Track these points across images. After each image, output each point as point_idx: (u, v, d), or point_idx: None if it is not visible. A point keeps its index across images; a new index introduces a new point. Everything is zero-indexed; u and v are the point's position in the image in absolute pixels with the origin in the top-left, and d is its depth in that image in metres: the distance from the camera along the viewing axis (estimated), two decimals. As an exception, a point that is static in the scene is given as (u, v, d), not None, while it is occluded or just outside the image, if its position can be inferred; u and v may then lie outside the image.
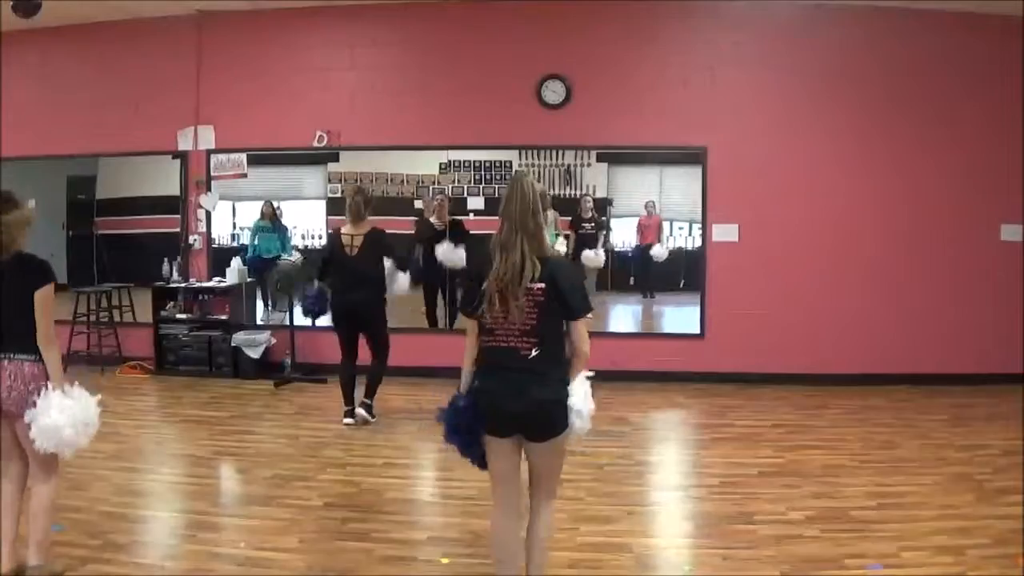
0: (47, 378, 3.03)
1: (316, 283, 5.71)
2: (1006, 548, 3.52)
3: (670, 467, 5.06)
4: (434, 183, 7.29)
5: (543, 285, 2.68)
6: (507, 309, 2.67)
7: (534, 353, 2.69)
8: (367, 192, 5.71)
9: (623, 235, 7.33)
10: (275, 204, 7.62)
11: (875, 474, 4.56)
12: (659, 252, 7.22)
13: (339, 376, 5.73)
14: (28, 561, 3.11)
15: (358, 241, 5.48)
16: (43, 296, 3.03)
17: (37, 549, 3.12)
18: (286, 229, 7.66)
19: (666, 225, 7.25)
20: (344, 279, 5.55)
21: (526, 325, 2.69)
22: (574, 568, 3.41)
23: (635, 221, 7.33)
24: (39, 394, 3.01)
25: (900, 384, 6.61)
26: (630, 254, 7.38)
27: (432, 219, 7.18)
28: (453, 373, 7.42)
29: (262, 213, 7.58)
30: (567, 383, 2.73)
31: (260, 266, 7.56)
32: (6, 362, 3.00)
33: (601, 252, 7.19)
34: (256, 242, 7.60)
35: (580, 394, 2.72)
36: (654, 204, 7.23)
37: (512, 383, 2.71)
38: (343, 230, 5.56)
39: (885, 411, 5.96)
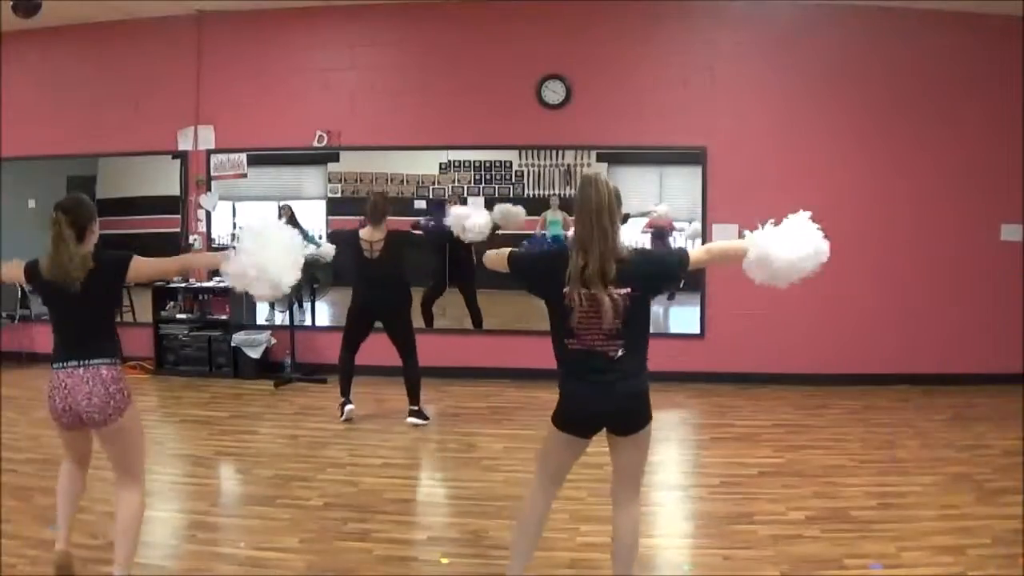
0: (125, 381, 2.99)
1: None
2: (1006, 548, 3.52)
3: (670, 467, 5.05)
4: (434, 183, 7.29)
5: (628, 290, 2.67)
6: (593, 309, 2.64)
7: (620, 354, 2.69)
8: (387, 195, 5.74)
9: (622, 235, 7.31)
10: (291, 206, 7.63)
11: (875, 474, 4.56)
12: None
13: (340, 367, 5.67)
14: (113, 572, 3.07)
15: (379, 245, 5.47)
16: (135, 265, 2.96)
17: (122, 563, 3.05)
18: (301, 227, 7.67)
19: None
20: (367, 282, 5.53)
21: (612, 328, 2.66)
22: (574, 568, 3.41)
23: (634, 221, 7.31)
24: (121, 397, 2.95)
25: (900, 384, 6.61)
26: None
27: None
28: (453, 373, 7.48)
29: (280, 214, 7.59)
30: (647, 374, 2.77)
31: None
32: (82, 370, 2.91)
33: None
34: None
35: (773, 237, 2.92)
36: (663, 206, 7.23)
37: (599, 386, 2.70)
38: (362, 234, 5.51)
39: (885, 411, 5.96)
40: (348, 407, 5.62)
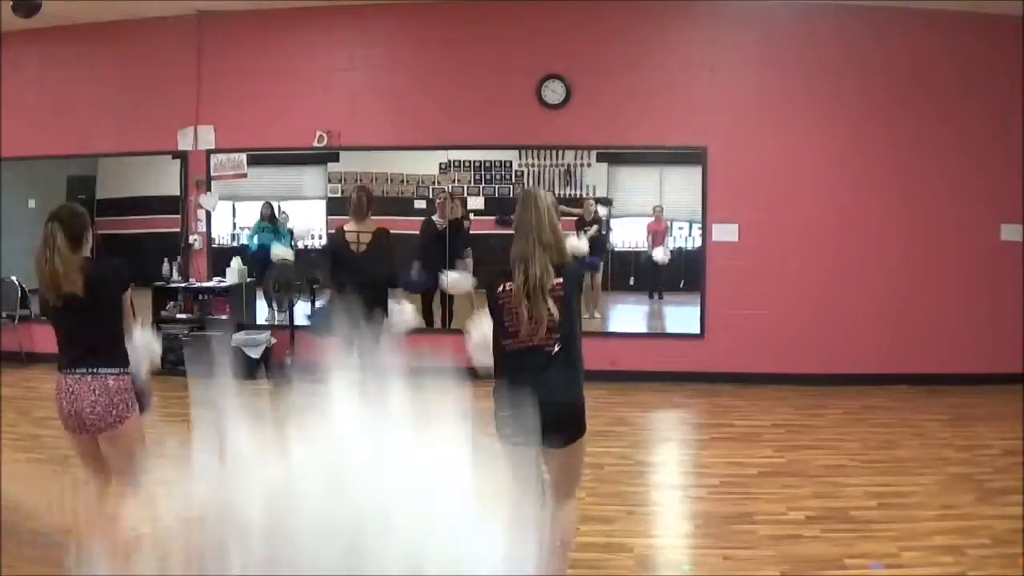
0: (132, 391, 3.04)
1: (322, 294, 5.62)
2: (1006, 548, 3.52)
3: (670, 467, 5.06)
4: (434, 183, 7.29)
5: (560, 280, 2.77)
6: (530, 317, 2.73)
7: (557, 348, 2.75)
8: (370, 190, 5.68)
9: (623, 235, 7.33)
10: (274, 205, 7.66)
11: (875, 474, 4.56)
12: (661, 256, 7.23)
13: None
14: None
15: (365, 239, 5.40)
16: (125, 296, 3.07)
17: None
18: (285, 230, 7.67)
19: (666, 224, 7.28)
20: (350, 279, 5.47)
21: (550, 325, 2.74)
22: (574, 568, 3.40)
23: (634, 221, 7.34)
24: (124, 407, 2.99)
25: (900, 384, 6.61)
26: (642, 259, 7.40)
27: (435, 217, 7.21)
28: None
29: (261, 214, 7.61)
30: (582, 384, 2.82)
31: (261, 263, 7.58)
32: (89, 377, 2.94)
33: (585, 240, 7.09)
34: (256, 240, 7.62)
35: None
36: (662, 209, 7.23)
37: (540, 389, 2.64)
38: (347, 228, 5.47)
39: (885, 411, 5.96)
40: None
